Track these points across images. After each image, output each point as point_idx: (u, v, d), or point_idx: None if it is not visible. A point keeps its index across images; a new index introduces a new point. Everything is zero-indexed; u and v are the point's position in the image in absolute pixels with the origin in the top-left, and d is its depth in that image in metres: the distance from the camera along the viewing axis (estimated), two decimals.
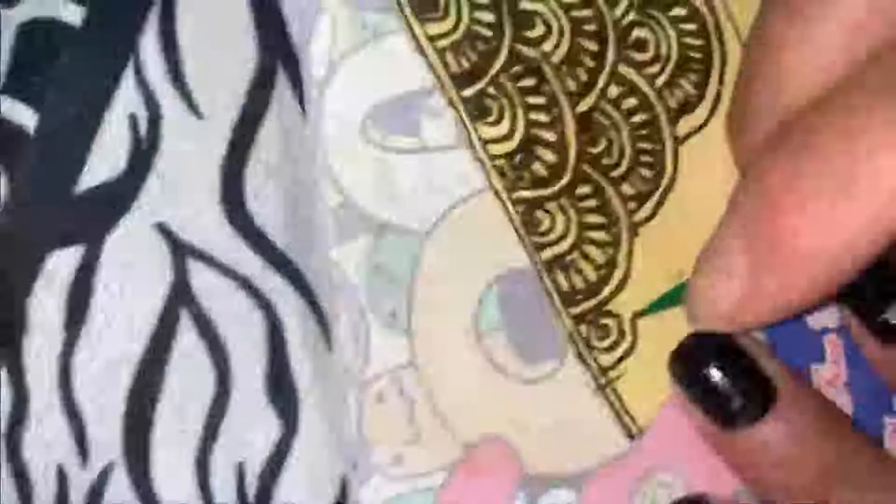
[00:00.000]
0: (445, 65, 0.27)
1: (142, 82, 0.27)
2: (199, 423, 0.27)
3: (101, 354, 0.27)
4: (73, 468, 0.27)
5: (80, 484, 0.27)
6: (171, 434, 0.27)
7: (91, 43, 0.26)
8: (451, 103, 0.27)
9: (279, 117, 0.28)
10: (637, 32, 0.29)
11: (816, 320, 0.31)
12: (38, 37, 0.26)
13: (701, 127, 0.29)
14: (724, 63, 0.29)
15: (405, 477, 0.27)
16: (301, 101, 0.28)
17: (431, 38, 0.27)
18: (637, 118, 0.29)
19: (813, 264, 0.21)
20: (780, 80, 0.23)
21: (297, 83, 0.28)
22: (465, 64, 0.27)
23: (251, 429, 0.28)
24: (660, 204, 0.29)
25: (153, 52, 0.27)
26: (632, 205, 0.28)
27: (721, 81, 0.29)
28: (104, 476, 0.27)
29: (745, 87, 0.25)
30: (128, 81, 0.27)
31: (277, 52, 0.28)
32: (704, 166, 0.29)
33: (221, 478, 0.27)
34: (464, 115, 0.27)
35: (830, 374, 0.31)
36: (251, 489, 0.28)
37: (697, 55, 0.29)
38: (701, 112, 0.29)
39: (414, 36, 0.27)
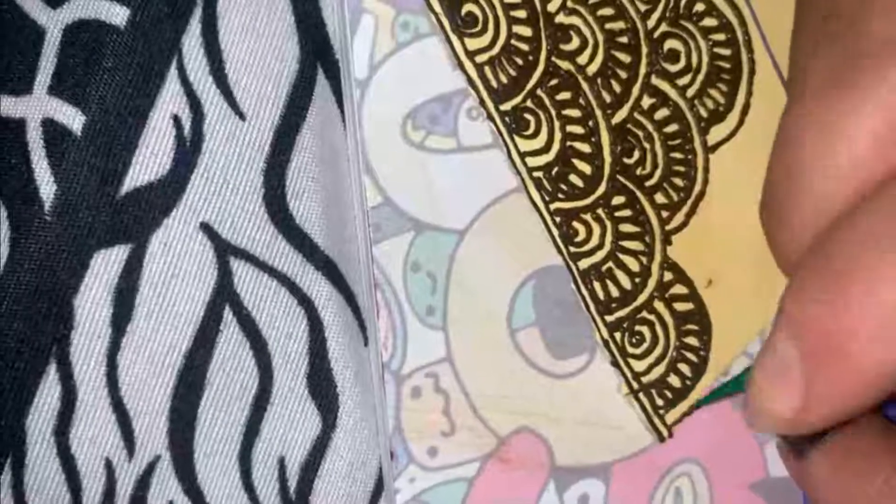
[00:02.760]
0: (484, 79, 0.27)
1: (185, 83, 0.27)
2: (242, 417, 0.28)
3: (146, 351, 0.27)
4: (120, 462, 0.27)
5: (127, 477, 0.27)
6: (214, 428, 0.28)
7: (135, 44, 0.26)
8: (489, 117, 0.27)
9: (318, 117, 0.28)
10: (669, 44, 0.29)
11: None
12: (84, 38, 0.26)
13: (730, 136, 0.30)
14: (752, 73, 0.30)
15: (440, 468, 0.28)
16: (339, 102, 0.28)
17: (470, 54, 0.27)
18: (669, 128, 0.29)
19: (868, 371, 0.21)
20: (814, 182, 0.21)
21: (335, 83, 0.28)
22: (504, 78, 0.27)
23: (292, 424, 0.28)
24: (692, 213, 0.29)
25: (196, 53, 0.27)
26: (665, 214, 0.29)
27: (750, 91, 0.30)
28: (150, 469, 0.27)
29: (779, 182, 0.23)
30: (171, 82, 0.27)
31: (317, 53, 0.28)
32: (734, 174, 0.29)
33: (263, 471, 0.28)
34: (502, 129, 0.27)
35: None
36: (292, 482, 0.28)
37: (727, 65, 0.30)
38: (731, 121, 0.30)
39: (453, 51, 0.27)
